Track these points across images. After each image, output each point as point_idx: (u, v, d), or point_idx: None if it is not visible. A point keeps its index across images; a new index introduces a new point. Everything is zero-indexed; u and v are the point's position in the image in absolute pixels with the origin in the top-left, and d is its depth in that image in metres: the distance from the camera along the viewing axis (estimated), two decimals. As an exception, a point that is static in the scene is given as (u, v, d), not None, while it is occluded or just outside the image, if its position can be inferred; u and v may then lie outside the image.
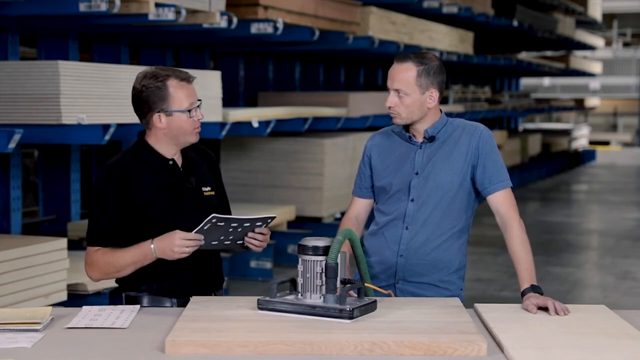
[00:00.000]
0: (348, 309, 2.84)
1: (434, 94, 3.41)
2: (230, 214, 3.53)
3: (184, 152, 3.36)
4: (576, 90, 29.11)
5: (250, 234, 3.27)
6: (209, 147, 3.55)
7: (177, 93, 3.24)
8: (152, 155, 3.29)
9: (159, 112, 3.24)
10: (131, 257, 3.18)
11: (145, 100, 3.24)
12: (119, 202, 3.22)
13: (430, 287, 3.46)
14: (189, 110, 3.24)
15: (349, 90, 11.86)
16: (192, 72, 3.35)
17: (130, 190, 3.23)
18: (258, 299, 2.98)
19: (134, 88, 3.28)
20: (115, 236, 3.24)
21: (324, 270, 2.93)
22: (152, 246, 3.14)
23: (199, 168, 3.39)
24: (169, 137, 3.28)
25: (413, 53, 3.43)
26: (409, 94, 3.37)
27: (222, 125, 7.10)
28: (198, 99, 3.31)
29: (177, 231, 3.12)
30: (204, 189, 3.37)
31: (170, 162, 3.31)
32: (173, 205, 3.28)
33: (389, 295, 3.27)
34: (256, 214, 3.34)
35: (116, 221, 3.23)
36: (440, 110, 3.50)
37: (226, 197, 3.54)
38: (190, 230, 3.16)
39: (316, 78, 11.63)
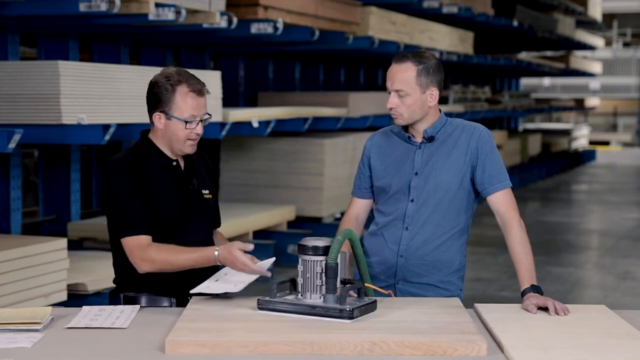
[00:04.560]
0: (348, 309, 2.84)
1: (434, 93, 3.41)
2: (219, 220, 3.57)
3: (186, 154, 3.37)
4: (576, 90, 29.11)
5: None
6: (209, 147, 3.57)
7: (181, 101, 3.24)
8: (157, 154, 3.31)
9: (160, 111, 3.25)
10: (193, 261, 3.18)
11: (153, 96, 3.27)
12: (138, 192, 3.21)
13: (430, 287, 3.46)
14: (186, 122, 3.24)
15: (349, 90, 11.86)
16: (192, 72, 3.35)
17: (142, 185, 3.23)
18: (258, 299, 2.98)
19: (151, 80, 3.30)
20: (148, 221, 3.20)
21: (324, 270, 2.93)
22: (216, 254, 3.14)
23: (198, 171, 3.41)
24: (165, 139, 3.30)
25: (411, 53, 3.43)
26: (410, 93, 3.37)
27: (222, 125, 7.11)
28: (208, 113, 3.30)
29: (238, 253, 3.09)
30: (203, 191, 3.39)
31: (174, 163, 3.32)
32: (177, 206, 3.29)
33: (389, 295, 3.28)
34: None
35: (143, 207, 3.20)
36: (440, 110, 3.51)
37: (218, 204, 3.56)
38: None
39: (316, 78, 11.63)
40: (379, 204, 3.55)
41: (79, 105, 5.64)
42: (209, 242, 3.40)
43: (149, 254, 3.18)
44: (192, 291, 3.14)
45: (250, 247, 3.12)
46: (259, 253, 3.37)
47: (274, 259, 3.26)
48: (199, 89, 3.27)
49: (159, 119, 3.26)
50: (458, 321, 2.87)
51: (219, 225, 3.57)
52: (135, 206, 3.20)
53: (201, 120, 3.28)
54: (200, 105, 3.27)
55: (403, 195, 3.45)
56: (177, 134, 3.26)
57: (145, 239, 3.19)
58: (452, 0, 11.34)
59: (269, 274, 3.12)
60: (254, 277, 3.15)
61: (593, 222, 12.78)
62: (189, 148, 3.29)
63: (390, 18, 10.01)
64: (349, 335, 2.68)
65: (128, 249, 3.21)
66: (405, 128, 3.49)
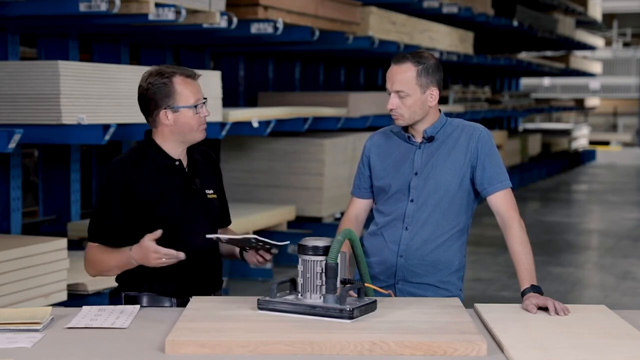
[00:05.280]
0: (348, 309, 2.84)
1: (434, 93, 3.41)
2: (229, 217, 3.57)
3: (190, 153, 3.37)
4: (576, 90, 29.11)
5: (258, 252, 3.29)
6: (209, 147, 3.57)
7: (182, 89, 3.25)
8: (159, 154, 3.30)
9: (165, 108, 3.25)
10: (115, 261, 3.23)
11: (152, 98, 3.26)
12: (124, 200, 3.23)
13: (430, 287, 3.46)
14: (195, 106, 3.26)
15: (349, 90, 11.86)
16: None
17: (137, 188, 3.24)
18: (258, 299, 2.98)
19: (139, 87, 3.29)
20: (117, 234, 3.25)
21: (324, 270, 2.93)
22: (129, 253, 3.16)
23: (203, 170, 3.40)
24: (176, 134, 3.29)
25: (409, 53, 3.43)
26: (410, 94, 3.37)
27: (222, 125, 7.11)
28: (203, 97, 3.33)
29: (149, 243, 3.10)
30: (207, 191, 3.38)
31: (177, 163, 3.32)
32: (179, 206, 3.29)
33: (389, 295, 3.27)
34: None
35: (119, 219, 3.24)
36: (439, 110, 3.51)
37: (226, 201, 3.55)
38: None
39: (316, 78, 11.63)
40: (378, 204, 3.55)
41: (79, 105, 5.64)
42: (213, 242, 3.40)
43: (88, 255, 3.27)
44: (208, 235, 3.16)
45: (159, 233, 3.11)
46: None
47: (288, 242, 3.25)
48: (192, 74, 3.31)
49: (166, 115, 3.26)
50: (458, 321, 2.87)
51: (228, 223, 3.57)
52: (111, 217, 3.25)
53: (203, 103, 3.31)
54: (198, 89, 3.31)
55: (403, 195, 3.45)
56: (190, 122, 3.27)
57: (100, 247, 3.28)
58: (452, 0, 11.34)
59: (182, 256, 3.09)
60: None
61: (593, 222, 12.78)
62: (202, 133, 3.32)
63: (390, 18, 10.01)
64: (349, 335, 2.68)
65: (85, 251, 3.30)
66: (405, 128, 3.49)
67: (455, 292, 3.48)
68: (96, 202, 3.33)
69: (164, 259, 3.11)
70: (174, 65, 3.38)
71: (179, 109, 3.25)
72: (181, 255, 3.11)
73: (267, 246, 3.20)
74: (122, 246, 3.26)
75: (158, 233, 3.12)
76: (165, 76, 3.25)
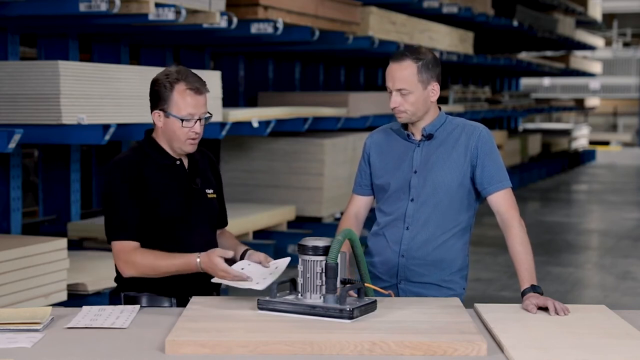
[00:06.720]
0: (348, 309, 2.84)
1: (435, 87, 3.41)
2: (226, 219, 3.56)
3: (190, 153, 3.36)
4: (576, 90, 29.11)
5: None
6: (209, 148, 3.57)
7: (179, 99, 3.24)
8: (159, 154, 3.31)
9: (159, 110, 3.25)
10: (176, 268, 3.18)
11: (153, 94, 3.28)
12: (135, 196, 3.22)
13: (433, 286, 3.45)
14: (182, 120, 3.24)
15: (349, 90, 11.86)
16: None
17: (142, 186, 3.23)
18: (258, 299, 2.98)
19: (153, 78, 3.31)
20: (138, 228, 3.23)
21: (324, 270, 2.93)
22: (197, 260, 3.13)
23: (203, 170, 3.40)
24: (165, 137, 3.29)
25: (407, 50, 3.41)
26: (413, 91, 3.36)
27: (222, 125, 7.11)
28: (208, 112, 3.30)
29: (218, 260, 3.08)
30: (207, 191, 3.38)
31: (178, 162, 3.32)
32: (181, 206, 3.29)
33: (389, 296, 3.27)
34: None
35: (137, 212, 3.22)
36: (440, 108, 3.50)
37: (224, 201, 3.54)
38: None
39: (316, 78, 11.63)
40: (379, 203, 3.55)
41: (79, 105, 5.64)
42: (213, 241, 3.40)
43: (133, 258, 3.21)
44: (212, 280, 3.13)
45: (230, 254, 3.11)
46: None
47: (289, 259, 3.24)
48: (197, 87, 3.26)
49: (159, 117, 3.27)
50: (458, 321, 2.87)
51: (225, 224, 3.56)
52: (128, 211, 3.22)
53: (199, 119, 3.27)
54: (198, 104, 3.26)
55: (403, 194, 3.45)
56: (176, 132, 3.26)
57: (132, 244, 3.22)
58: (452, 0, 11.34)
59: (250, 279, 3.06)
60: (277, 275, 3.15)
61: (593, 222, 12.78)
62: (189, 147, 3.29)
63: (390, 18, 10.01)
64: (349, 335, 2.68)
65: (115, 252, 3.25)
66: (405, 126, 3.49)
67: (459, 291, 3.48)
68: (109, 201, 3.25)
69: (229, 277, 3.08)
70: (192, 72, 3.33)
71: (169, 115, 3.25)
72: (250, 278, 3.06)
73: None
74: (140, 240, 3.22)
75: (229, 254, 3.10)
76: (169, 79, 3.24)
